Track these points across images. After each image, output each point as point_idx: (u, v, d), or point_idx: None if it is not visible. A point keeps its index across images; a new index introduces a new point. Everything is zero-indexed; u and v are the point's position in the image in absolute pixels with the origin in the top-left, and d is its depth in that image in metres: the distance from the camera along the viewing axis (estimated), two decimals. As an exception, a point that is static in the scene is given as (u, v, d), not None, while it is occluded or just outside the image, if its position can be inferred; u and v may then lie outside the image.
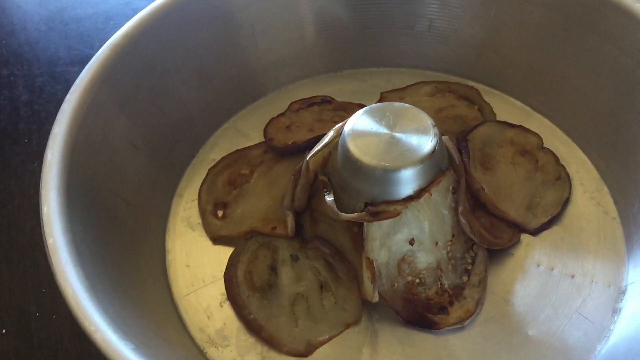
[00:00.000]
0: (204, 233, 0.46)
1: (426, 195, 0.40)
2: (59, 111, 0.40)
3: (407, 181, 0.39)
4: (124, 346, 0.31)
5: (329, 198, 0.40)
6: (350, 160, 0.40)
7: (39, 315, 0.45)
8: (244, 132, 0.52)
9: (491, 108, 0.52)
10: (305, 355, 0.40)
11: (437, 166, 0.40)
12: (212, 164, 0.49)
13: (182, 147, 0.50)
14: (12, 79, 0.61)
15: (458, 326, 0.40)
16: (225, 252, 0.45)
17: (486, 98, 0.52)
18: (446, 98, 0.53)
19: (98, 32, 0.65)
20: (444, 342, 0.40)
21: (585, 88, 0.48)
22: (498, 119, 0.51)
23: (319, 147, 0.43)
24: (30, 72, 0.61)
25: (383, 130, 0.40)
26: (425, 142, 0.39)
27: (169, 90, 0.48)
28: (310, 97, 0.53)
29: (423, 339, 0.40)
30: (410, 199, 0.40)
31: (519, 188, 0.47)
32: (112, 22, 0.66)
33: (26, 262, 0.48)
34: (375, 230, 0.40)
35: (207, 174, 0.49)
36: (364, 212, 0.40)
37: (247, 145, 0.51)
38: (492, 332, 0.40)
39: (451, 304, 0.42)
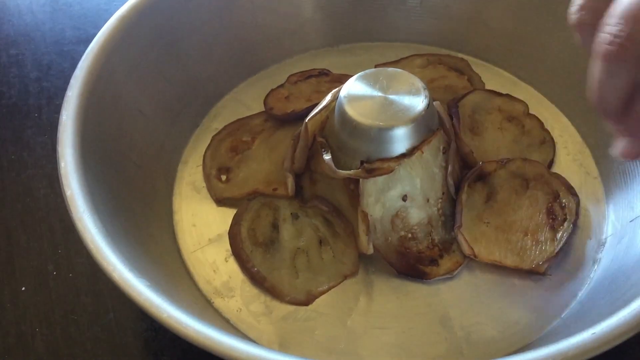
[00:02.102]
0: (208, 196, 0.49)
1: (418, 153, 0.42)
2: (72, 77, 0.43)
3: (400, 139, 0.42)
4: (139, 283, 0.33)
5: (327, 157, 0.43)
6: (346, 121, 0.42)
7: (56, 273, 0.47)
8: (245, 103, 0.55)
9: (480, 78, 0.54)
10: (306, 304, 0.43)
11: (427, 126, 0.43)
12: (215, 133, 0.52)
13: (186, 116, 0.52)
14: (20, 57, 0.63)
15: (448, 276, 0.43)
16: (229, 212, 0.47)
17: (475, 69, 0.55)
18: (437, 69, 0.56)
19: (102, 12, 0.67)
20: (435, 291, 0.43)
21: (566, 57, 0.51)
22: (486, 88, 0.54)
23: (317, 111, 0.45)
24: (38, 51, 0.63)
25: (377, 93, 0.43)
26: (416, 103, 0.42)
27: (173, 62, 0.51)
28: (308, 70, 0.56)
29: (415, 289, 0.43)
30: (403, 156, 0.42)
31: (506, 151, 0.49)
32: (114, 3, 0.68)
33: (42, 226, 0.50)
34: (371, 187, 0.43)
35: (211, 141, 0.51)
36: (360, 169, 0.42)
37: (248, 115, 0.53)
38: (481, 281, 0.43)
39: (441, 256, 0.44)
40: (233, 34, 0.54)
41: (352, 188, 0.43)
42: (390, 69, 0.45)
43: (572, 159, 0.49)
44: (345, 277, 0.44)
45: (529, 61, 0.54)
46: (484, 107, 0.52)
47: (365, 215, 0.42)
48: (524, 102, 0.52)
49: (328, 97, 0.46)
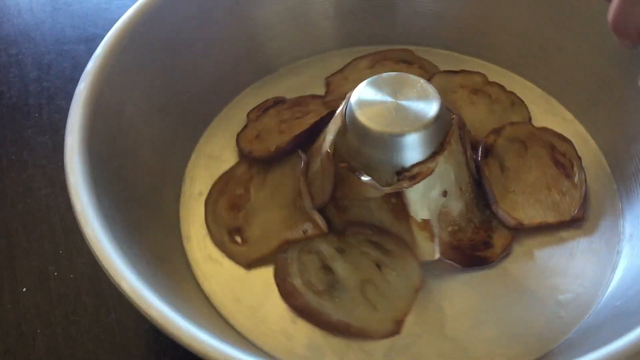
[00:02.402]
0: (233, 264, 0.44)
1: (448, 147, 0.42)
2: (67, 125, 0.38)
3: (430, 139, 0.41)
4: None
5: (366, 178, 0.41)
6: (369, 137, 0.41)
7: (57, 274, 0.47)
8: (215, 155, 0.50)
9: (430, 62, 0.55)
10: (398, 332, 0.40)
11: (445, 119, 0.43)
12: (203, 197, 0.47)
13: (168, 189, 0.47)
14: (20, 57, 0.62)
15: (506, 253, 0.44)
16: (265, 273, 0.43)
17: (421, 56, 0.56)
18: (385, 66, 0.55)
19: (102, 11, 0.66)
20: (503, 271, 0.43)
21: (504, 18, 0.54)
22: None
23: (331, 138, 0.43)
24: (38, 51, 0.63)
25: (387, 99, 0.42)
26: (431, 102, 0.41)
27: (137, 139, 0.45)
28: (262, 103, 0.53)
29: (484, 276, 0.43)
30: (436, 154, 0.42)
31: (487, 122, 0.51)
32: (115, 2, 0.67)
33: (42, 227, 0.49)
34: (414, 194, 0.42)
35: (206, 207, 0.46)
36: (402, 180, 0.41)
37: (225, 167, 0.49)
38: (533, 247, 0.44)
39: (490, 237, 0.45)
40: (180, 86, 0.49)
41: (394, 201, 0.42)
42: (385, 75, 0.43)
43: (543, 110, 0.52)
44: (417, 290, 0.42)
45: (468, 35, 0.56)
46: (449, 88, 0.53)
47: (426, 223, 0.41)
48: (481, 73, 0.54)
49: (337, 124, 0.43)
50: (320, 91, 0.54)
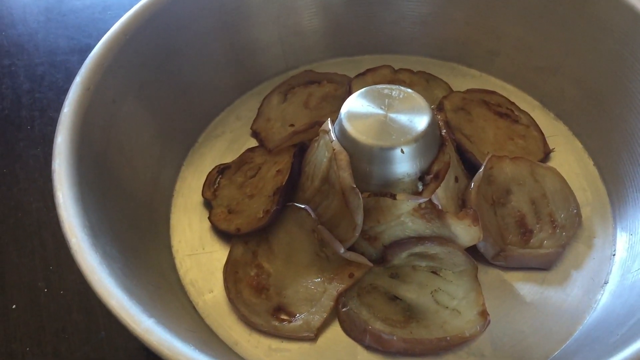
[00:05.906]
0: (299, 344, 0.41)
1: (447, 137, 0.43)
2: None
3: (435, 138, 0.42)
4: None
5: (402, 195, 0.40)
6: (383, 156, 0.41)
7: (47, 291, 0.46)
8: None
9: (338, 74, 0.55)
10: (489, 320, 0.40)
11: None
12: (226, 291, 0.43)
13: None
14: (13, 68, 0.61)
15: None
16: (332, 334, 0.41)
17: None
18: (296, 93, 0.54)
19: (96, 22, 0.66)
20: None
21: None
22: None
23: (348, 172, 0.41)
24: (31, 62, 0.62)
25: (379, 112, 0.42)
26: (423, 111, 0.42)
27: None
28: (207, 177, 0.49)
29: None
30: (443, 146, 0.42)
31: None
32: (109, 12, 0.67)
33: (33, 242, 0.49)
34: (440, 190, 0.41)
35: (234, 305, 0.42)
36: (430, 182, 0.41)
37: (217, 250, 0.46)
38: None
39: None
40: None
41: (424, 206, 0.41)
42: (374, 90, 0.43)
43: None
44: (476, 276, 0.42)
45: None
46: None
47: (464, 212, 0.41)
48: (387, 65, 0.54)
49: (343, 164, 0.41)
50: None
